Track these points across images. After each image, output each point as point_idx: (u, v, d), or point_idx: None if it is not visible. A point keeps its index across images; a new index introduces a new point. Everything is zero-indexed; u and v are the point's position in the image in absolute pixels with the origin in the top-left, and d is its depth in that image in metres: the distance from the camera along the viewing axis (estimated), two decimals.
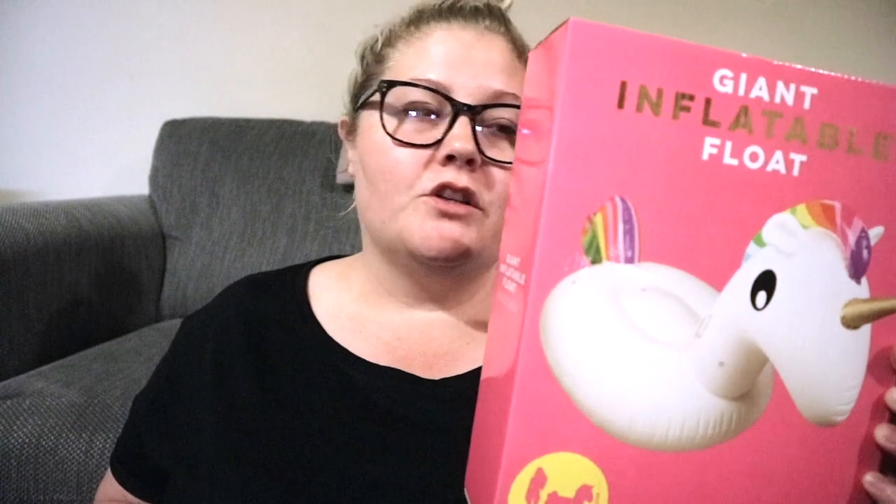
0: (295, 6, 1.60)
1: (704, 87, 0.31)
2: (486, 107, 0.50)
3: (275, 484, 0.47)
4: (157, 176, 1.46)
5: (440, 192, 0.50)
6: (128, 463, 0.60)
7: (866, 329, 0.33)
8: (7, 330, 1.03)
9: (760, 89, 0.31)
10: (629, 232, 0.31)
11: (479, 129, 0.51)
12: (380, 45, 0.56)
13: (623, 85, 0.30)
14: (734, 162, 0.31)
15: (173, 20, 1.61)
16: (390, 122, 0.52)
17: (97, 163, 1.64)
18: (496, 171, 0.51)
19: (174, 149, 1.46)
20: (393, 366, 0.53)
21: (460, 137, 0.49)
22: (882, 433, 0.34)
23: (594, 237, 0.30)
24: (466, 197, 0.50)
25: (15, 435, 0.84)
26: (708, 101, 0.31)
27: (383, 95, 0.52)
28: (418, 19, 0.55)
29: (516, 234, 0.34)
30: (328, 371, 0.54)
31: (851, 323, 0.33)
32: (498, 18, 0.55)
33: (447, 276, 0.54)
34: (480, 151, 0.50)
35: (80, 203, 1.26)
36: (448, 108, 0.51)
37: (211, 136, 1.46)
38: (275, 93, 1.58)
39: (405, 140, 0.51)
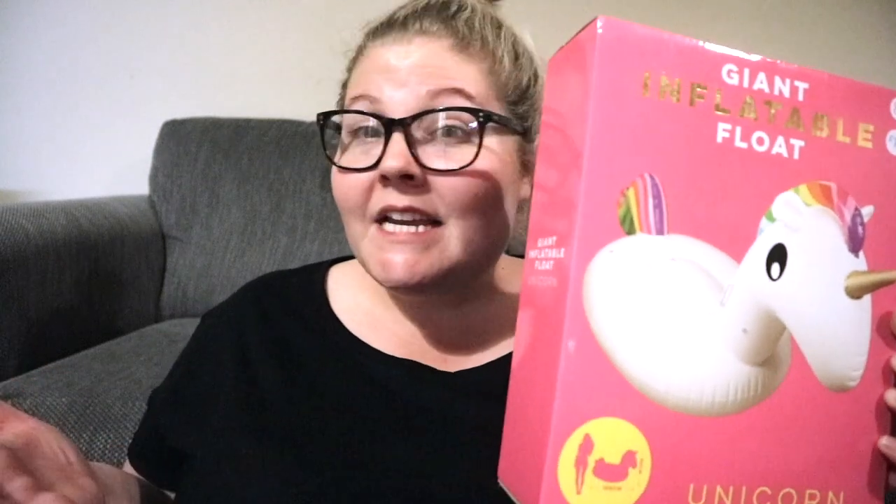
0: (295, 6, 1.60)
1: (714, 79, 0.34)
2: (416, 116, 0.49)
3: (296, 463, 0.49)
4: (157, 176, 1.46)
5: (386, 215, 0.50)
6: (148, 457, 0.62)
7: (867, 299, 0.36)
8: (7, 330, 1.03)
9: (761, 82, 0.35)
10: (658, 206, 0.33)
11: (420, 137, 0.49)
12: (345, 72, 0.59)
13: (646, 75, 0.33)
14: (744, 145, 0.34)
15: (173, 20, 1.62)
16: (339, 150, 0.54)
17: (97, 163, 1.64)
18: (445, 180, 0.49)
19: (174, 149, 1.46)
20: (409, 358, 0.55)
21: (390, 155, 0.48)
22: (893, 396, 0.36)
23: (628, 210, 0.32)
24: (415, 214, 0.49)
25: None
26: (718, 91, 0.34)
27: (322, 127, 0.54)
28: (364, 44, 0.56)
29: (549, 214, 0.35)
30: (347, 361, 0.55)
31: (854, 293, 0.36)
32: (432, 16, 0.53)
33: (432, 292, 0.53)
34: (420, 164, 0.49)
35: (80, 203, 1.26)
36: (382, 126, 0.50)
37: (211, 136, 1.46)
38: (275, 93, 1.58)
39: (348, 166, 0.51)
